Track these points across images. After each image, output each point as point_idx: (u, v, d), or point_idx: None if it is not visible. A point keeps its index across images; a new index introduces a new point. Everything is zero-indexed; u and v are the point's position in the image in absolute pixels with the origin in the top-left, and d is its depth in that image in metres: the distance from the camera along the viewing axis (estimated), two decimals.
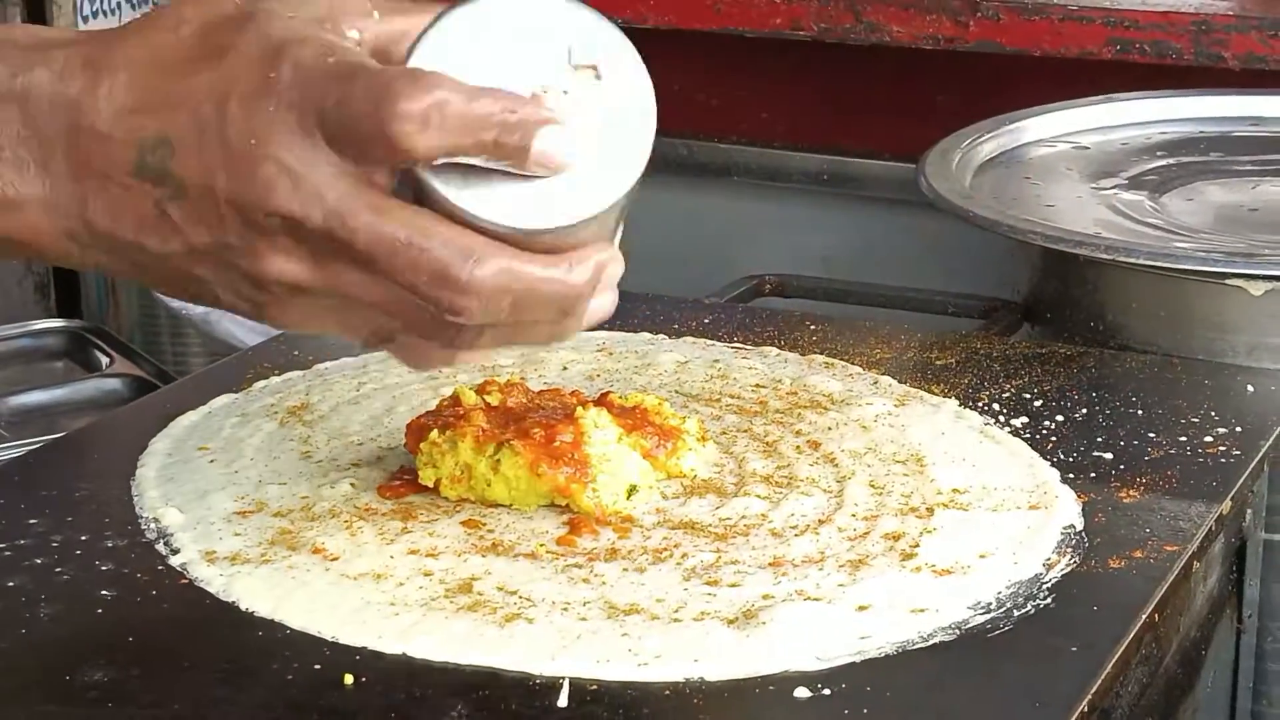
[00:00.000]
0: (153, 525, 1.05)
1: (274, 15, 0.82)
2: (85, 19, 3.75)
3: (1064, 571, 0.99)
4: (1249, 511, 1.18)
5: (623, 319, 1.35)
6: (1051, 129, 1.62)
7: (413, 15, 0.85)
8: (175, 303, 2.66)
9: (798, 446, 1.14)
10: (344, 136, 0.79)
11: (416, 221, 0.80)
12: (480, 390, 1.10)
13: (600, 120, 0.82)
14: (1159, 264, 1.31)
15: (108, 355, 2.24)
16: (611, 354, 1.30)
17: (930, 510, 1.06)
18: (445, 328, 0.83)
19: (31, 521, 1.05)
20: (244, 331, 2.58)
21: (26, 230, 0.84)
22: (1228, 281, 1.30)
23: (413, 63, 0.81)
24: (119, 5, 3.83)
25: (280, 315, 0.84)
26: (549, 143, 0.80)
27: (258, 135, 0.80)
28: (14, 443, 1.72)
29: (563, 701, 0.88)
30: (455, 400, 1.09)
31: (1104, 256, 1.32)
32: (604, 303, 0.86)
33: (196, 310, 2.65)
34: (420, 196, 0.81)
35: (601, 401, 1.10)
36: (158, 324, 2.80)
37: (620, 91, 0.83)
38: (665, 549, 1.01)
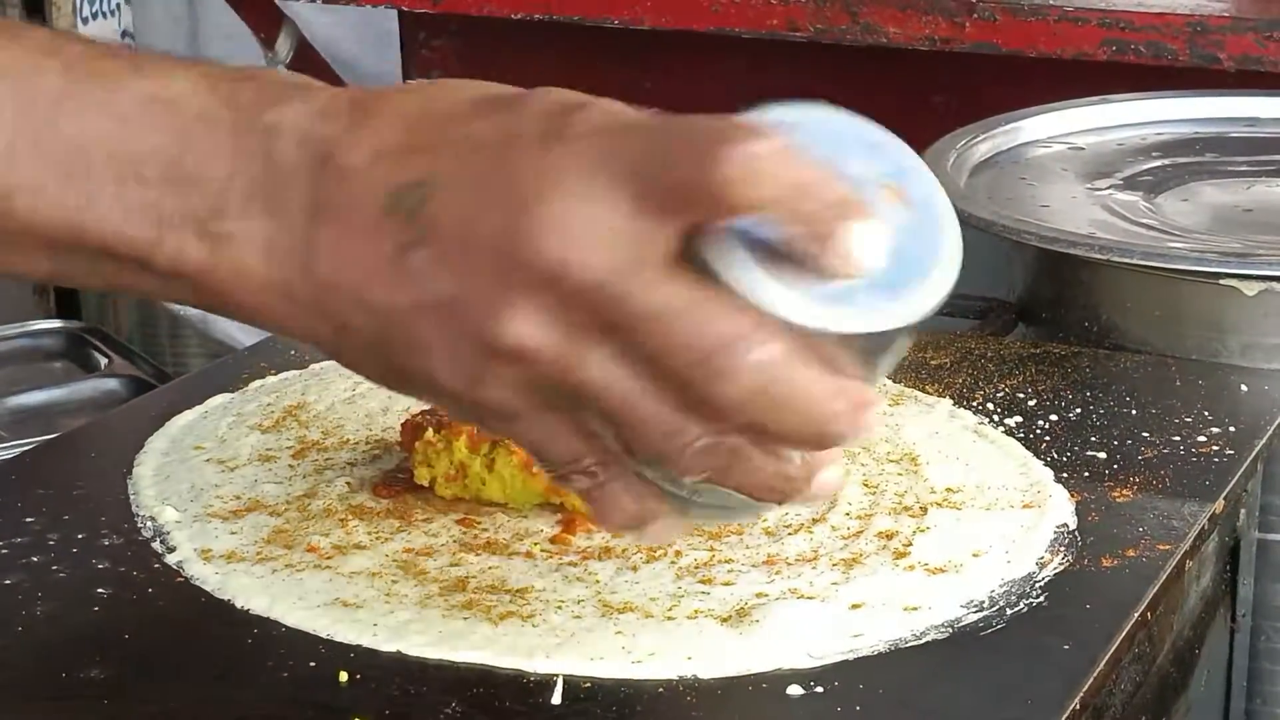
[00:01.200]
0: (149, 524, 1.05)
1: (552, 90, 0.76)
2: (85, 20, 3.76)
3: (1057, 570, 1.00)
4: (1243, 511, 1.18)
5: None
6: (1047, 130, 1.62)
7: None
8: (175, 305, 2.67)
9: None
10: (644, 187, 0.71)
11: (696, 292, 0.72)
12: None
13: (903, 242, 0.75)
14: (1153, 264, 1.32)
15: (106, 356, 2.25)
16: None
17: (924, 509, 1.06)
18: (672, 439, 0.74)
19: (28, 520, 1.05)
20: (242, 333, 2.59)
21: (227, 272, 0.76)
22: (1222, 282, 1.30)
23: None
24: (119, 6, 3.84)
25: (499, 398, 0.75)
26: (861, 236, 0.72)
27: (537, 181, 0.72)
28: (12, 442, 1.72)
29: (557, 699, 0.88)
30: None
31: (1098, 257, 1.33)
32: (833, 474, 0.77)
33: (195, 311, 2.66)
34: (704, 269, 0.73)
35: None
36: (157, 325, 2.81)
37: (923, 220, 0.76)
38: (659, 547, 1.01)
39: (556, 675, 0.89)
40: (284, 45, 2.21)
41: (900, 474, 1.10)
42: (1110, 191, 1.50)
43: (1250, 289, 1.30)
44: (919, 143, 1.55)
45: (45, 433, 1.47)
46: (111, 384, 2.16)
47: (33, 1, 3.61)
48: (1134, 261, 1.32)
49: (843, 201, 0.72)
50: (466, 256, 0.73)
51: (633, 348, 0.72)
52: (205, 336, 2.69)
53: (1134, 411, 1.20)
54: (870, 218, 0.72)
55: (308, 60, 2.25)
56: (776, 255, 0.73)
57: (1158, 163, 1.57)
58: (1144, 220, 1.43)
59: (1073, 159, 1.58)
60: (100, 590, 0.98)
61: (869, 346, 0.75)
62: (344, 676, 0.90)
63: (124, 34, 3.86)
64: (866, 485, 1.09)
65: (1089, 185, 1.51)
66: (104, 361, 2.24)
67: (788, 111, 0.77)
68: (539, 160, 0.72)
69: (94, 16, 3.80)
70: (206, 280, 0.77)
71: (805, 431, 0.73)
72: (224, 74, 0.79)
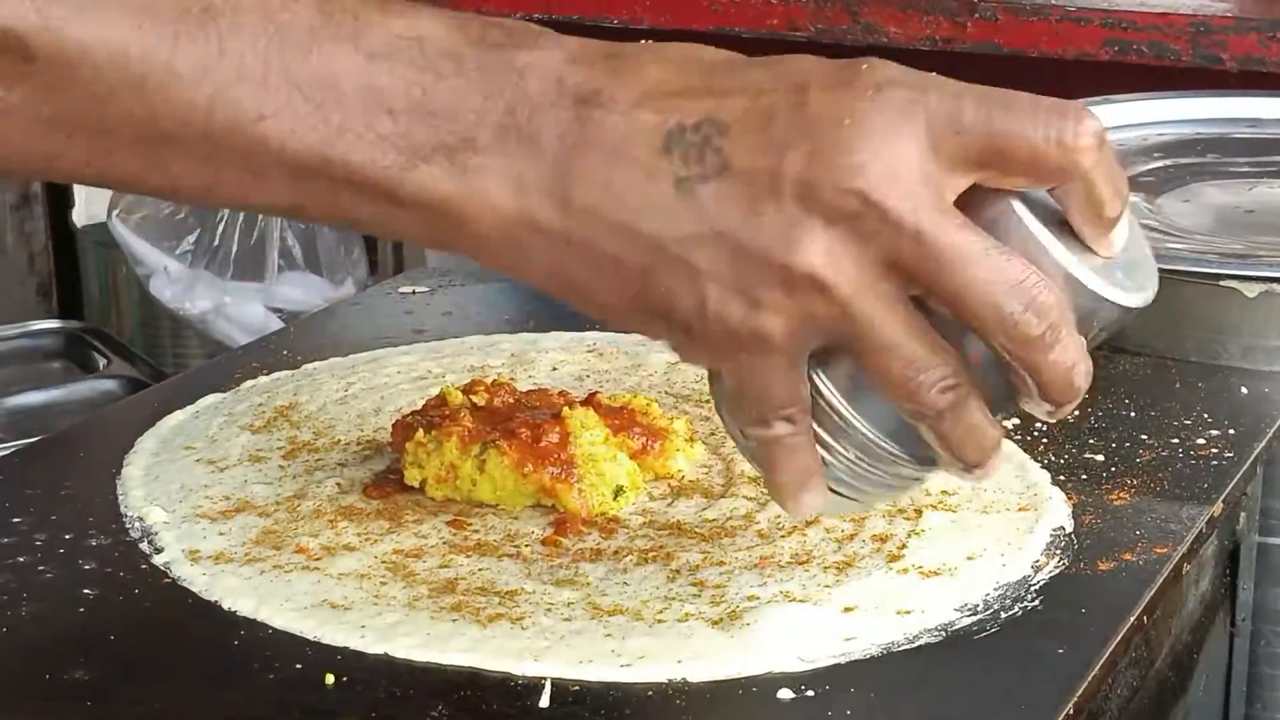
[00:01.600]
0: (137, 524, 1.04)
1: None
2: None
3: (1052, 574, 0.99)
4: (1242, 514, 1.17)
5: None
6: None
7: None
8: (174, 303, 2.67)
9: None
10: (944, 138, 0.75)
11: (988, 240, 0.76)
12: (467, 390, 1.10)
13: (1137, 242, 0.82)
14: None
15: (105, 356, 2.25)
16: (602, 355, 1.29)
17: (919, 512, 1.05)
18: (918, 374, 0.77)
19: (15, 520, 1.04)
20: (243, 334, 2.59)
21: (475, 202, 0.77)
22: (1222, 283, 1.29)
23: None
24: None
25: (757, 329, 0.77)
26: (1125, 222, 0.79)
27: (854, 118, 0.75)
28: (9, 442, 1.72)
29: (544, 702, 0.87)
30: (441, 400, 1.09)
31: None
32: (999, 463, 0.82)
33: (194, 311, 2.65)
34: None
35: (589, 402, 1.09)
36: (158, 325, 2.81)
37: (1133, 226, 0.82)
38: (651, 550, 1.00)
39: (544, 678, 0.89)
40: None
41: None
42: None
43: (1251, 290, 1.29)
44: None
45: (43, 433, 1.47)
46: (110, 384, 2.16)
47: None
48: None
49: (1125, 188, 0.78)
50: (772, 188, 0.75)
51: (923, 283, 0.76)
52: (205, 337, 2.68)
53: (1133, 414, 1.19)
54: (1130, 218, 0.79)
55: None
56: (1050, 223, 0.78)
57: (1159, 163, 1.56)
58: (1145, 221, 1.42)
59: None
60: (87, 591, 0.97)
61: (1104, 324, 0.80)
62: (330, 679, 0.89)
63: None
64: None
65: None
66: (103, 362, 2.23)
67: None
68: (847, 102, 0.75)
69: None
70: (452, 210, 0.78)
71: (1057, 385, 0.78)
72: (471, 18, 0.80)
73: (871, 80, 0.76)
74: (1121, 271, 0.80)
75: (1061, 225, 0.79)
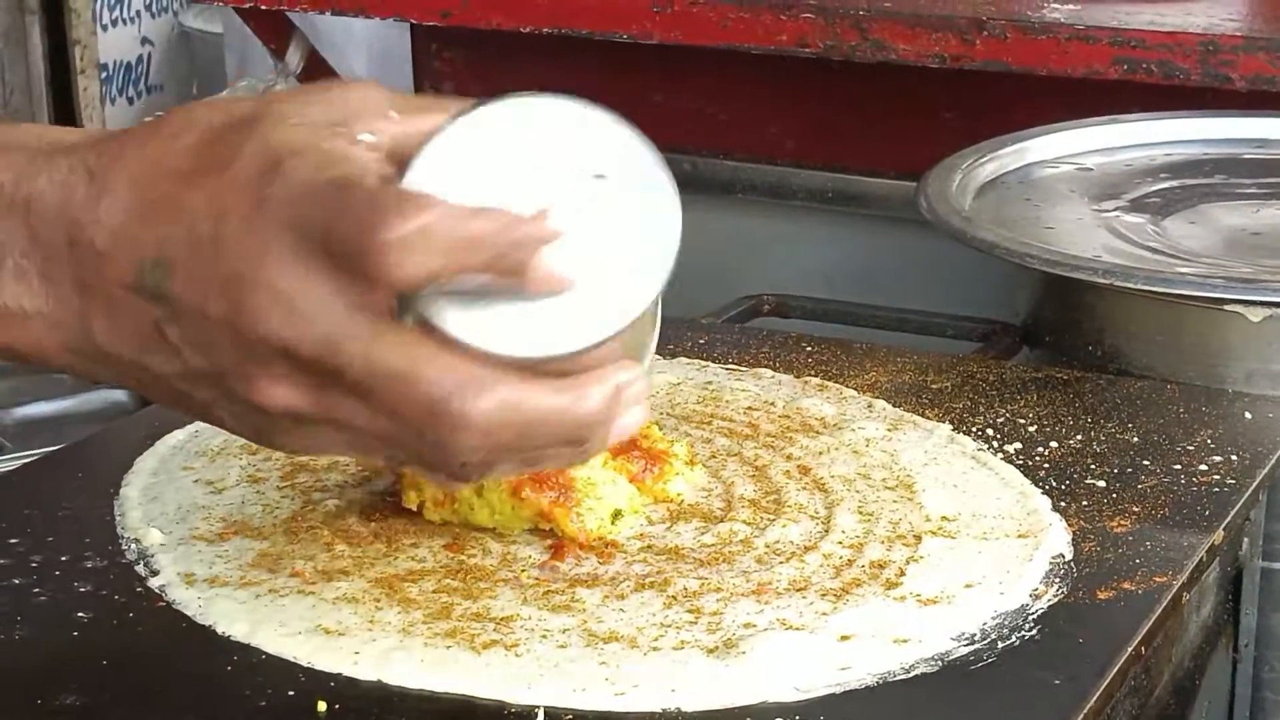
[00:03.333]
0: (133, 546, 1.04)
1: (280, 120, 0.78)
2: (105, 27, 3.75)
3: (1051, 602, 0.98)
4: (1245, 540, 1.17)
5: None
6: (1055, 150, 1.60)
7: (433, 115, 0.80)
8: None
9: (787, 471, 1.13)
10: (337, 259, 0.75)
11: (412, 351, 0.76)
12: None
13: (615, 234, 0.78)
14: (1157, 289, 1.30)
15: None
16: None
17: (918, 538, 1.04)
18: (448, 461, 0.78)
19: (12, 541, 1.04)
20: None
21: (30, 343, 0.82)
22: (1226, 308, 1.29)
23: (412, 174, 0.77)
24: (139, 14, 3.84)
25: (287, 441, 0.81)
26: (550, 263, 0.76)
27: (250, 258, 0.76)
28: (18, 454, 1.72)
29: None
30: None
31: (1102, 280, 1.31)
32: (628, 420, 0.80)
33: None
34: (422, 321, 0.77)
35: None
36: None
37: (638, 202, 0.78)
38: (648, 575, 1.00)
39: (538, 707, 0.88)
40: (294, 57, 2.20)
41: (896, 501, 1.09)
42: (1117, 213, 1.48)
43: (1255, 315, 1.28)
44: (928, 160, 1.55)
45: (52, 444, 1.47)
46: (119, 395, 2.15)
47: (53, 10, 3.62)
48: (1138, 286, 1.30)
49: (518, 240, 0.76)
50: (210, 334, 0.78)
51: (377, 405, 0.77)
52: None
53: (1135, 439, 1.19)
54: (555, 240, 0.76)
55: (318, 72, 2.24)
56: (488, 291, 0.76)
57: (1166, 184, 1.55)
58: (1150, 243, 1.42)
59: (1080, 180, 1.56)
60: (80, 614, 0.97)
61: (605, 343, 0.78)
62: (322, 706, 0.89)
63: (143, 40, 3.87)
64: (861, 513, 1.07)
65: (1095, 207, 1.50)
66: None
67: (480, 115, 0.78)
68: (248, 240, 0.76)
69: (114, 24, 3.80)
70: (19, 349, 0.82)
71: (561, 442, 0.79)
72: None
73: (277, 201, 0.76)
74: (587, 298, 0.77)
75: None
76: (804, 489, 1.10)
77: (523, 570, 1.01)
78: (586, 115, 0.79)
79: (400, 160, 0.79)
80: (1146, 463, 1.15)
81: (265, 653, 0.93)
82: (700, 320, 1.44)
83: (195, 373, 0.79)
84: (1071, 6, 1.72)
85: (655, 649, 0.93)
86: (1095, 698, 0.90)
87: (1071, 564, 1.02)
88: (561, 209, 0.77)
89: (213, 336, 0.77)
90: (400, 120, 0.80)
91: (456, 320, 0.76)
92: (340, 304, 0.76)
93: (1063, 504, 1.09)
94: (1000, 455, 1.16)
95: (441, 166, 0.78)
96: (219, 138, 0.79)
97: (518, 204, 0.77)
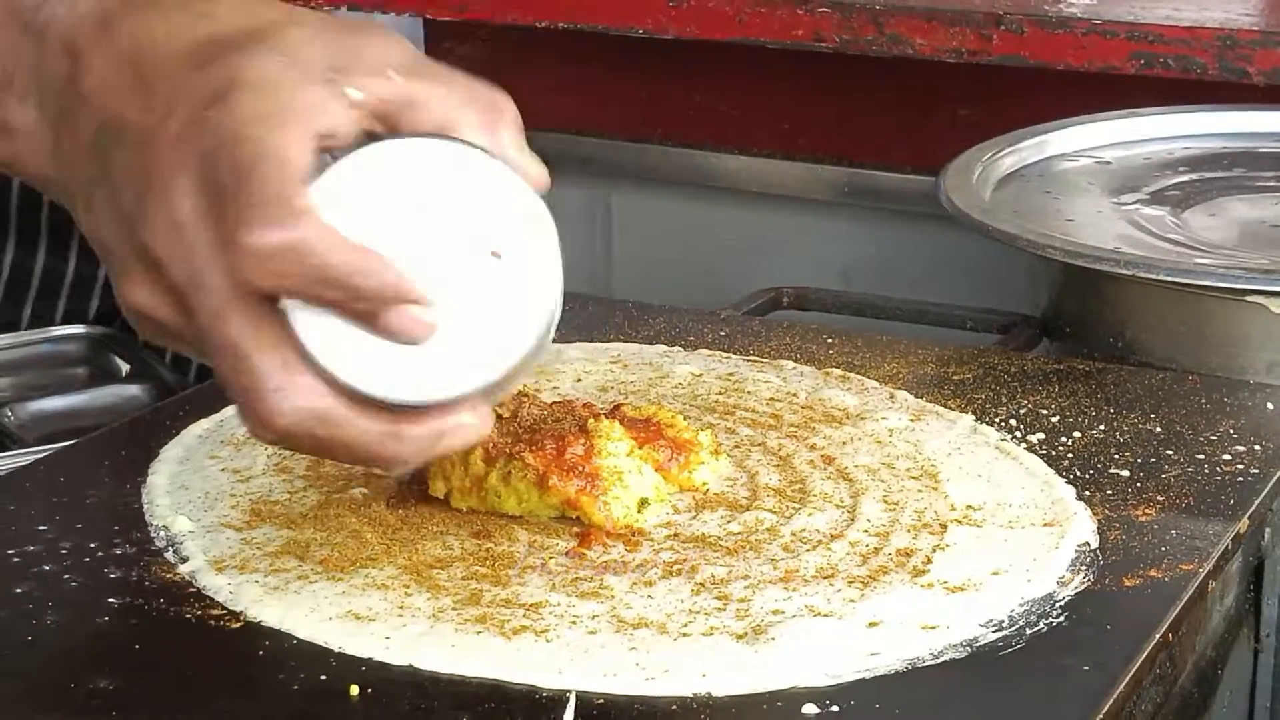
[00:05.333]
0: (162, 533, 1.04)
1: (271, 52, 0.80)
2: None
3: (1077, 590, 0.99)
4: (1267, 530, 1.17)
5: (638, 331, 1.35)
6: (1073, 143, 1.61)
7: (431, 84, 0.81)
8: None
9: (811, 461, 1.13)
10: (222, 221, 0.78)
11: (254, 333, 0.79)
12: None
13: (486, 301, 0.80)
14: (1178, 280, 1.31)
15: (129, 362, 2.24)
16: (626, 366, 1.29)
17: (944, 526, 1.05)
18: (252, 429, 0.83)
19: (41, 528, 1.05)
20: None
21: (12, 156, 0.87)
22: (1247, 298, 1.29)
23: (319, 184, 0.78)
24: None
25: (143, 331, 0.84)
26: (399, 319, 0.79)
27: (164, 168, 0.79)
28: (33, 449, 1.72)
29: (569, 716, 0.87)
30: None
31: (1123, 272, 1.32)
32: (439, 451, 0.85)
33: None
34: (284, 308, 0.80)
35: (614, 414, 1.09)
36: None
37: (520, 273, 0.80)
38: (675, 563, 1.00)
39: (569, 692, 0.88)
40: None
41: (921, 490, 1.09)
42: (1137, 206, 1.48)
43: (1276, 305, 1.28)
44: (944, 155, 1.56)
45: (67, 439, 1.47)
46: (134, 390, 2.15)
47: None
48: (1159, 277, 1.31)
49: (375, 288, 0.78)
50: (117, 216, 0.81)
51: (209, 349, 0.81)
52: None
53: (1158, 429, 1.19)
54: (410, 300, 0.78)
55: None
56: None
57: (1185, 177, 1.56)
58: (1170, 235, 1.42)
59: (1099, 173, 1.57)
60: (111, 600, 0.97)
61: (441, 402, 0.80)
62: (355, 690, 0.89)
63: None
64: (886, 502, 1.08)
65: (1115, 200, 1.50)
66: (127, 367, 2.23)
67: (396, 146, 0.80)
68: (172, 147, 0.79)
69: None
70: (8, 160, 0.88)
71: (359, 461, 0.84)
72: None
73: (202, 134, 0.79)
74: (437, 357, 0.79)
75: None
76: (828, 478, 1.11)
77: (550, 557, 1.01)
78: (492, 172, 0.80)
79: (388, 122, 0.80)
80: (1170, 453, 1.16)
81: (296, 638, 0.93)
82: (720, 313, 1.44)
83: (97, 240, 0.83)
84: (1088, 1, 1.73)
85: (685, 635, 0.93)
86: (1124, 684, 0.90)
87: (1097, 552, 1.03)
88: (436, 263, 0.79)
89: (118, 219, 0.81)
90: (397, 83, 0.81)
91: (309, 323, 0.79)
92: (214, 256, 0.79)
93: (1087, 493, 1.10)
94: (1024, 445, 1.16)
95: (344, 184, 0.79)
96: (226, 38, 0.81)
97: (404, 247, 0.78)
